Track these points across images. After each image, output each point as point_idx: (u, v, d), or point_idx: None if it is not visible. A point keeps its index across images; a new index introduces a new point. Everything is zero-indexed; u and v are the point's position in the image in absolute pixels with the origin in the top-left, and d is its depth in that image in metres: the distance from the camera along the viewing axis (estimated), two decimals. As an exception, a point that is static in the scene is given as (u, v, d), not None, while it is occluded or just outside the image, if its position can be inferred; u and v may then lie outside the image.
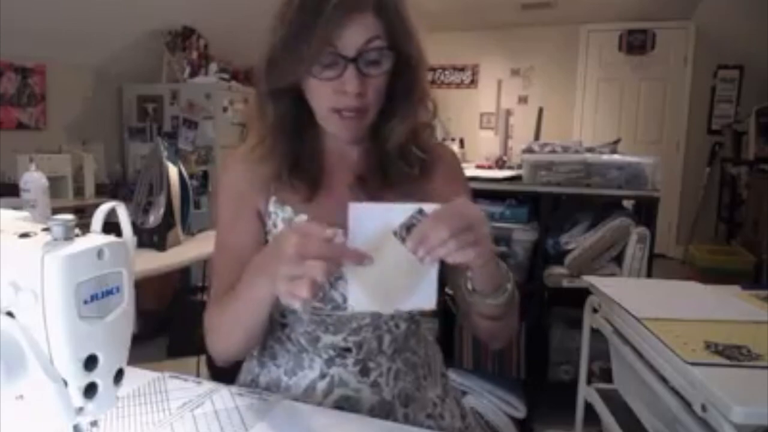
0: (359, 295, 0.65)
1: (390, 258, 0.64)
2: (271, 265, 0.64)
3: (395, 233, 0.64)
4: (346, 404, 0.82)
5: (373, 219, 0.64)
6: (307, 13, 0.72)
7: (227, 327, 0.78)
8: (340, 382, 0.83)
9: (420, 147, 0.86)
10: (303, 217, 0.82)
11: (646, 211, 2.03)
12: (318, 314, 0.81)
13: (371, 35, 0.73)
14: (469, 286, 0.75)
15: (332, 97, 0.76)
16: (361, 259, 0.63)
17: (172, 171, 1.80)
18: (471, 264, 0.67)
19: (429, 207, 0.64)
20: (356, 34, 0.72)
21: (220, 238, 0.88)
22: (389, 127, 0.82)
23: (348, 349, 0.83)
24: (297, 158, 0.83)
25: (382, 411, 0.82)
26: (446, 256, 0.63)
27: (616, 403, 1.22)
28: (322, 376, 0.83)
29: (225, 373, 0.94)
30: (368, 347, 0.83)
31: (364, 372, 0.83)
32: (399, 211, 0.65)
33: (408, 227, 0.64)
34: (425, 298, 0.67)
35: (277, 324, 0.87)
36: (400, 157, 0.84)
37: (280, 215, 0.83)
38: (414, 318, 0.89)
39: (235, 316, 0.75)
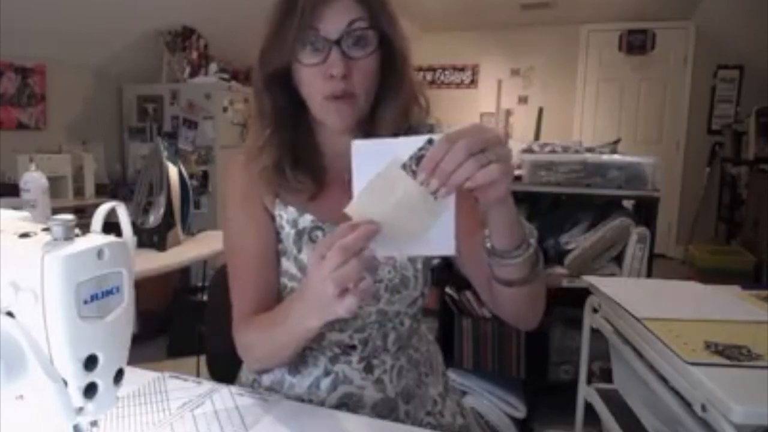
0: (383, 245, 0.58)
1: (401, 197, 0.57)
2: (309, 293, 0.62)
3: (404, 167, 0.57)
4: (350, 401, 0.82)
5: (380, 156, 0.57)
6: (290, 0, 0.74)
7: (271, 349, 0.77)
8: (344, 379, 0.83)
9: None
10: (307, 217, 0.82)
11: (646, 211, 2.03)
12: None
13: (353, 17, 0.74)
14: (488, 245, 0.69)
15: (321, 84, 0.76)
16: (371, 231, 0.57)
17: (172, 171, 1.80)
18: (493, 193, 0.59)
19: (440, 137, 0.57)
20: (338, 17, 0.74)
21: (235, 243, 0.86)
22: (378, 116, 0.82)
23: (353, 347, 0.83)
24: (296, 151, 0.83)
25: (385, 408, 0.83)
26: (465, 179, 0.55)
27: (616, 403, 1.22)
28: (327, 373, 0.83)
29: (225, 373, 0.94)
30: (373, 344, 0.84)
31: (368, 369, 0.84)
32: (407, 145, 0.57)
33: (418, 159, 0.57)
34: (443, 243, 0.59)
35: None
36: None
37: (284, 217, 0.83)
38: (416, 316, 0.89)
39: (283, 343, 0.74)
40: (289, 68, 0.78)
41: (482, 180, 0.56)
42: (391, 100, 0.81)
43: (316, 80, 0.76)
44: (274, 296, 0.83)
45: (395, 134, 0.82)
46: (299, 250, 0.82)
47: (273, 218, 0.84)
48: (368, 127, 0.83)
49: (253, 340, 0.80)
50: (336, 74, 0.73)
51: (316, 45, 0.74)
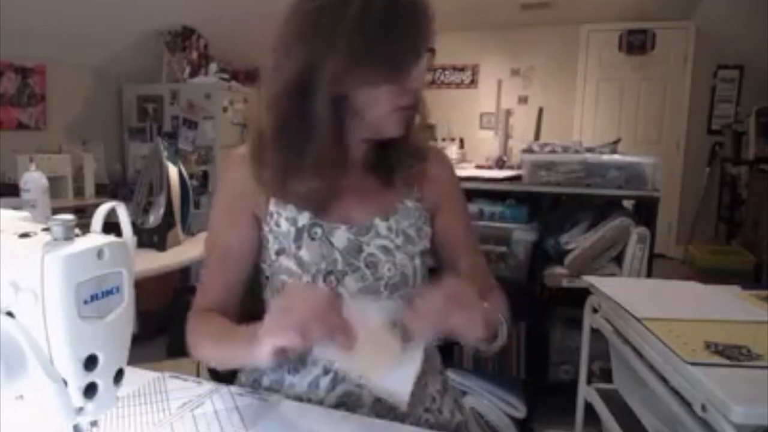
0: (343, 361, 0.68)
1: (376, 336, 0.67)
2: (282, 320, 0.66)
3: (386, 324, 0.68)
4: (349, 400, 0.82)
5: (369, 313, 0.69)
6: (404, 17, 0.75)
7: (220, 358, 0.81)
8: (343, 378, 0.83)
9: (420, 146, 0.88)
10: (306, 215, 0.83)
11: (646, 211, 2.03)
12: None
13: (432, 35, 0.78)
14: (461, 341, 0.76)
15: (396, 97, 0.77)
16: (348, 344, 0.65)
17: (172, 171, 1.80)
18: (464, 339, 0.69)
19: (418, 297, 0.68)
20: (429, 36, 0.78)
21: (215, 238, 0.88)
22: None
23: None
24: (316, 160, 0.81)
25: (384, 406, 0.83)
26: (438, 333, 0.68)
27: (616, 403, 1.22)
28: (326, 372, 0.84)
29: (225, 373, 0.94)
30: None
31: None
32: (392, 308, 0.70)
33: (396, 322, 0.67)
34: (399, 392, 0.67)
35: None
36: (406, 155, 0.86)
37: (283, 214, 0.83)
38: None
39: (233, 359, 0.78)
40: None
41: (456, 333, 0.67)
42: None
43: (391, 94, 0.77)
44: (237, 297, 0.86)
45: (409, 141, 0.85)
46: (299, 248, 0.82)
47: (262, 223, 0.85)
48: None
49: (200, 343, 0.81)
50: (421, 87, 0.77)
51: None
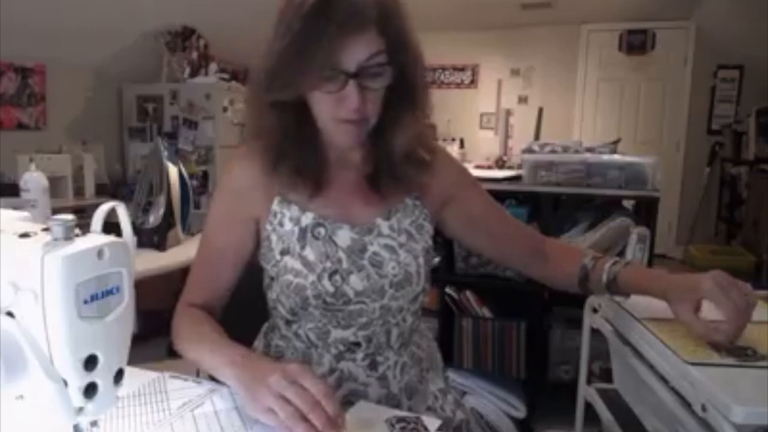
0: None
1: None
2: (252, 372, 0.68)
3: (386, 421, 0.70)
4: (354, 398, 0.83)
5: (376, 413, 0.72)
6: (310, 31, 0.71)
7: (186, 356, 0.82)
8: (349, 376, 0.84)
9: (424, 148, 0.88)
10: (309, 215, 0.83)
11: (646, 211, 2.03)
12: (329, 309, 0.82)
13: (373, 51, 0.73)
14: None
15: (335, 109, 0.76)
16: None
17: (172, 171, 1.80)
18: None
19: (429, 421, 0.70)
20: (358, 51, 0.72)
21: (213, 235, 0.89)
22: (392, 136, 0.83)
23: (357, 344, 0.84)
24: (300, 159, 0.83)
25: (389, 404, 0.84)
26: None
27: (616, 403, 1.22)
28: (331, 371, 0.84)
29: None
30: (377, 341, 0.85)
31: (373, 366, 0.85)
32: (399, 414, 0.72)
33: (401, 420, 0.70)
34: None
35: (282, 322, 0.87)
36: (406, 160, 0.85)
37: (286, 214, 0.84)
38: (417, 312, 0.90)
39: (201, 365, 0.80)
40: (303, 94, 0.78)
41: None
42: (402, 120, 0.82)
43: (328, 103, 0.76)
44: (225, 297, 0.89)
45: (407, 150, 0.84)
46: (303, 247, 0.82)
47: (261, 226, 0.85)
48: (376, 139, 0.84)
49: (185, 346, 0.83)
50: (352, 106, 0.74)
51: (333, 75, 0.73)
